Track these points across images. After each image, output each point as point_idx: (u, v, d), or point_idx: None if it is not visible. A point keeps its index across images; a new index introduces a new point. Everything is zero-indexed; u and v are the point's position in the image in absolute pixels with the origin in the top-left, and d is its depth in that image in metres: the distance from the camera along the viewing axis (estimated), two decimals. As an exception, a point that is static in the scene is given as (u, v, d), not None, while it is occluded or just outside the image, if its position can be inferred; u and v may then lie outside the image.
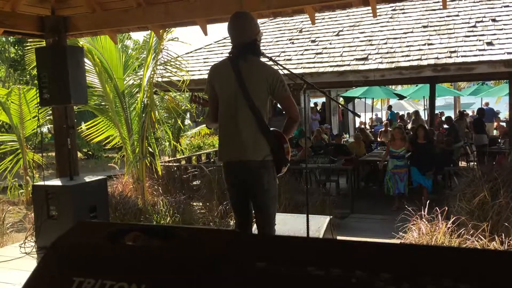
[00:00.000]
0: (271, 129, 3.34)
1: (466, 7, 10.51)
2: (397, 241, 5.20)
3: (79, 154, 13.50)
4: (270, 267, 0.88)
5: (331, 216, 5.26)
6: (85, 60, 6.10)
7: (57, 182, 5.28)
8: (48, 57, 5.15)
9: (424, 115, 18.31)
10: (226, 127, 3.33)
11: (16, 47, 17.61)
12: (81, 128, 9.55)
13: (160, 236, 1.03)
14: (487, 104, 19.78)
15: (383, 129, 14.27)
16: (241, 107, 3.23)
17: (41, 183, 5.30)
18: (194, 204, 7.45)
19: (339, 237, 5.26)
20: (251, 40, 3.31)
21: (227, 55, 3.40)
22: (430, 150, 8.28)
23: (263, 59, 3.42)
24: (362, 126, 17.07)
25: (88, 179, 5.45)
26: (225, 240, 1.01)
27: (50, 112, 7.47)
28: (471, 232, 5.02)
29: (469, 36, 9.23)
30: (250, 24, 3.37)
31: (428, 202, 5.54)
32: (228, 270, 0.89)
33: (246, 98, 3.21)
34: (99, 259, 0.99)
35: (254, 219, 3.55)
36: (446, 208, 5.35)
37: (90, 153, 17.79)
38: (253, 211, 3.48)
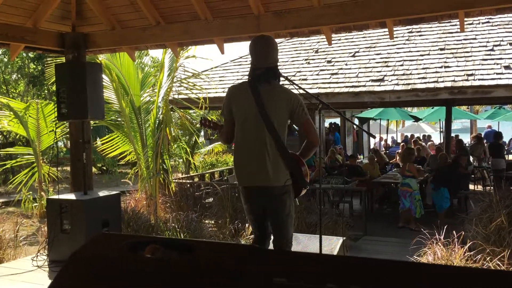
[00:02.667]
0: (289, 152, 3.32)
1: (484, 30, 10.47)
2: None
3: (94, 169, 13.62)
4: (289, 282, 0.86)
5: (344, 238, 5.19)
6: (103, 76, 6.19)
7: (71, 196, 5.30)
8: (67, 73, 5.23)
9: (440, 138, 18.15)
10: (245, 150, 3.29)
11: (35, 63, 17.95)
12: (96, 143, 9.64)
13: (179, 249, 1.03)
14: (490, 126, 19.57)
15: (399, 150, 14.17)
16: (261, 129, 3.20)
17: (56, 196, 5.32)
18: (206, 221, 7.43)
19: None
20: (274, 65, 3.32)
21: (246, 77, 3.40)
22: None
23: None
24: (377, 148, 16.95)
25: (101, 194, 5.47)
26: (243, 254, 1.00)
27: (67, 126, 7.57)
28: (488, 258, 4.91)
29: (486, 60, 9.18)
30: (275, 49, 3.38)
31: (446, 226, 5.44)
32: (246, 285, 0.88)
33: (266, 121, 3.18)
34: (118, 271, 0.99)
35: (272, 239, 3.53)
36: (463, 233, 5.25)
37: (104, 168, 17.92)
38: (271, 230, 3.46)
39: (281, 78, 3.44)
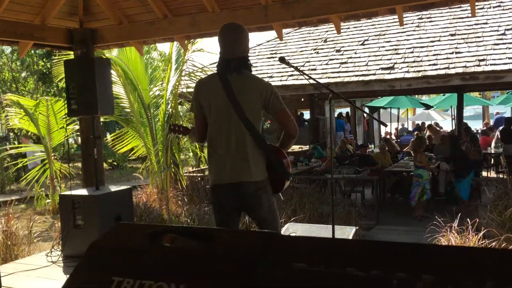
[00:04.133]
0: (267, 143, 3.14)
1: (495, 14, 10.31)
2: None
3: (104, 165, 13.70)
4: (309, 267, 0.85)
5: (356, 227, 5.17)
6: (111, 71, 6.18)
7: (83, 191, 5.33)
8: (76, 69, 5.23)
9: (452, 125, 17.99)
10: (218, 145, 3.06)
11: (44, 60, 18.05)
12: (107, 139, 9.67)
13: (197, 237, 1.03)
14: (498, 113, 19.36)
15: (413, 139, 14.07)
16: (234, 123, 3.00)
17: (68, 192, 5.36)
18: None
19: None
20: (244, 56, 3.13)
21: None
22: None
23: (288, 69, 3.36)
24: (388, 136, 16.86)
25: (113, 189, 5.49)
26: (262, 241, 0.99)
27: (77, 123, 7.60)
28: (504, 245, 4.86)
29: (498, 44, 9.04)
30: (246, 38, 3.18)
31: (459, 214, 5.39)
32: (266, 271, 0.87)
33: (238, 113, 2.98)
34: (138, 259, 1.00)
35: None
36: (477, 220, 5.20)
37: (115, 163, 18.02)
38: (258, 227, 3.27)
39: (291, 69, 3.36)
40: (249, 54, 3.24)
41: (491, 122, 18.39)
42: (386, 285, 0.81)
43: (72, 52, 6.02)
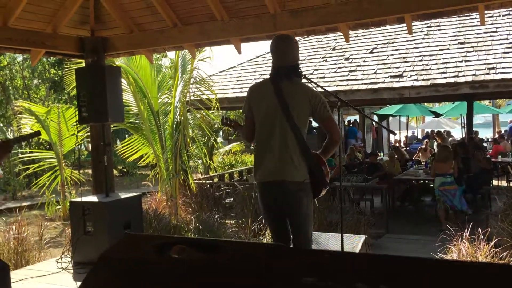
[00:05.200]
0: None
1: (505, 23, 10.27)
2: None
3: (114, 171, 13.78)
4: (317, 282, 0.85)
5: (366, 236, 5.14)
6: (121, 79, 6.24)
7: (93, 198, 5.37)
8: (87, 77, 5.30)
9: (461, 133, 17.88)
10: (265, 145, 3.28)
11: (56, 68, 18.24)
12: (117, 146, 9.73)
13: (205, 249, 1.03)
14: (511, 121, 19.18)
15: (422, 146, 14.01)
16: (282, 125, 3.20)
17: (78, 199, 5.40)
18: (227, 222, 7.44)
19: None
20: (295, 64, 3.33)
21: (264, 72, 3.42)
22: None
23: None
24: (397, 144, 16.81)
25: (123, 195, 5.53)
26: (270, 254, 0.99)
27: (88, 130, 7.67)
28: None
29: (508, 53, 9.00)
30: (295, 47, 3.39)
31: (471, 223, 5.34)
32: (274, 284, 0.87)
33: (287, 117, 3.18)
34: (146, 271, 1.00)
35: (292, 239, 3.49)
36: (489, 229, 5.15)
37: (124, 170, 18.11)
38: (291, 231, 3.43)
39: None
40: (299, 62, 3.45)
41: (503, 130, 18.24)
42: None
43: (83, 60, 6.09)
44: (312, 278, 0.86)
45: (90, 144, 6.38)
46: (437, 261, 0.89)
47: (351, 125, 17.57)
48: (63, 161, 10.18)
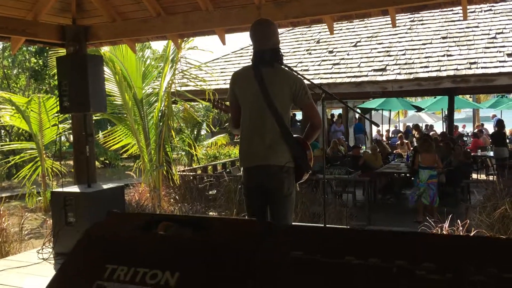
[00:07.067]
0: (294, 135, 3.32)
1: (486, 18, 10.41)
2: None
3: (96, 163, 13.66)
4: (306, 256, 0.85)
5: (348, 227, 5.20)
6: (105, 68, 6.17)
7: (75, 189, 5.31)
8: (68, 66, 5.21)
9: (442, 127, 18.13)
10: (248, 132, 3.31)
11: (36, 57, 17.93)
12: (98, 136, 9.63)
13: (192, 226, 1.02)
14: (494, 116, 19.52)
15: (398, 142, 14.20)
16: (263, 112, 3.22)
17: (60, 189, 5.33)
18: (211, 213, 7.44)
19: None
20: (275, 48, 3.32)
21: (249, 62, 3.40)
22: None
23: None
24: (379, 137, 16.98)
25: (105, 186, 5.48)
26: (258, 230, 0.99)
27: (69, 120, 7.57)
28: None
29: (489, 48, 9.13)
30: (275, 31, 3.38)
31: (451, 215, 5.43)
32: (262, 259, 0.87)
33: (268, 103, 3.19)
34: (132, 247, 0.99)
35: None
36: (468, 221, 5.24)
37: (107, 161, 17.94)
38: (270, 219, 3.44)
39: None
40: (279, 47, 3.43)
41: (488, 125, 18.58)
42: (386, 273, 0.81)
43: (64, 49, 6.00)
44: (300, 252, 0.87)
45: (71, 135, 6.30)
46: (422, 234, 0.91)
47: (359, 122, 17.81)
48: (43, 152, 10.04)
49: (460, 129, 20.55)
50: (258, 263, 0.87)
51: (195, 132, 13.10)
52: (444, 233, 5.10)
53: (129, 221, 1.13)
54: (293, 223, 3.44)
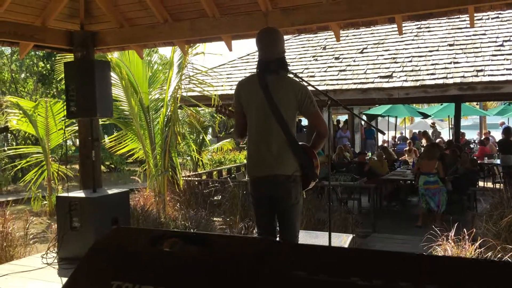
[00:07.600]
0: (300, 143, 3.31)
1: (493, 26, 10.38)
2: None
3: (102, 167, 13.69)
4: (310, 276, 0.85)
5: (353, 235, 5.17)
6: (112, 74, 6.20)
7: (80, 194, 5.32)
8: (76, 71, 5.25)
9: (449, 135, 18.04)
10: (255, 141, 3.30)
11: (44, 62, 18.05)
12: (104, 141, 9.66)
13: (197, 242, 1.02)
14: (503, 123, 19.39)
15: (407, 148, 14.13)
16: (269, 119, 3.20)
17: (65, 194, 5.35)
18: (215, 219, 7.43)
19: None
20: (281, 57, 3.31)
21: (255, 70, 3.40)
22: None
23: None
24: (385, 144, 16.92)
25: (110, 191, 5.49)
26: (262, 248, 0.99)
27: (76, 124, 7.60)
28: (499, 255, 4.87)
29: (496, 55, 9.09)
30: (281, 40, 3.38)
31: (457, 224, 5.39)
32: (265, 278, 0.87)
33: (273, 110, 3.18)
34: (137, 264, 0.99)
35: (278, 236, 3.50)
36: (474, 230, 5.21)
37: (112, 166, 17.99)
38: (278, 227, 3.43)
39: (290, 75, 3.43)
40: (285, 55, 3.44)
41: (496, 132, 18.49)
42: None
43: (72, 54, 6.03)
44: (304, 272, 0.86)
45: (78, 139, 6.33)
46: (427, 256, 0.90)
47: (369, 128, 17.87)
48: (50, 156, 10.08)
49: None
50: (261, 282, 0.86)
51: (201, 137, 13.11)
52: (450, 241, 5.07)
53: (135, 236, 1.13)
54: (298, 242, 3.41)
